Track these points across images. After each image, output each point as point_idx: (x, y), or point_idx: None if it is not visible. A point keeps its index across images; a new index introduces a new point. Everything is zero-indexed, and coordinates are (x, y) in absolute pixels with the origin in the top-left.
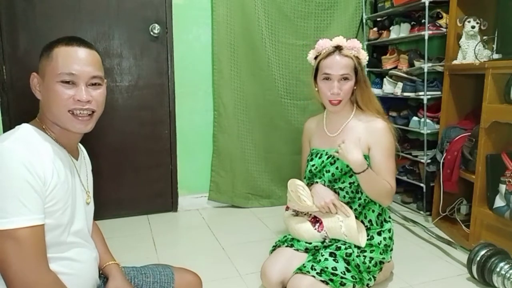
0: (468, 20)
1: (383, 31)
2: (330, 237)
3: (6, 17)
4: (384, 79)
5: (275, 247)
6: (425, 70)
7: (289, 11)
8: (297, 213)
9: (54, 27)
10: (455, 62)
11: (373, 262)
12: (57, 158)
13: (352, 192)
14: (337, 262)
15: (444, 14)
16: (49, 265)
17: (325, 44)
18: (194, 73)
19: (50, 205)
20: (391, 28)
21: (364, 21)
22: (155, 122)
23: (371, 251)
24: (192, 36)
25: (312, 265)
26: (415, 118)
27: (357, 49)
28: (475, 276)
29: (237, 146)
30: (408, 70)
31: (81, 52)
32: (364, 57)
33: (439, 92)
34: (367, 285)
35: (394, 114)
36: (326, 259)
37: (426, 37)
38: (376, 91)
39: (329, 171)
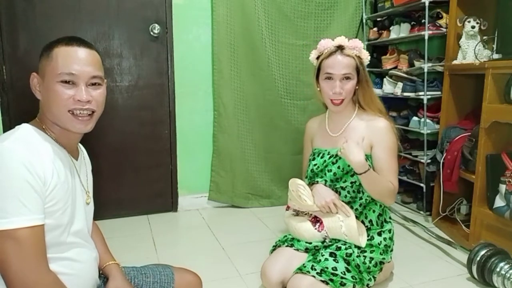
0: (468, 20)
1: (383, 31)
2: (330, 237)
3: (6, 17)
4: (384, 79)
5: (275, 247)
6: (425, 70)
7: (289, 11)
8: (297, 213)
9: (54, 27)
10: (455, 62)
11: (373, 262)
12: (57, 158)
13: (353, 191)
14: (337, 262)
15: (444, 14)
16: (49, 265)
17: (327, 44)
18: (194, 73)
19: (50, 205)
20: (391, 28)
21: (364, 21)
22: (155, 122)
23: (371, 252)
24: (192, 36)
25: (312, 265)
26: (415, 118)
27: (359, 48)
28: (475, 276)
29: (237, 146)
30: (408, 70)
31: (81, 52)
32: (366, 56)
33: (439, 92)
34: (367, 285)
35: (394, 114)
36: (326, 259)
37: (426, 37)
38: (376, 91)
39: (331, 171)
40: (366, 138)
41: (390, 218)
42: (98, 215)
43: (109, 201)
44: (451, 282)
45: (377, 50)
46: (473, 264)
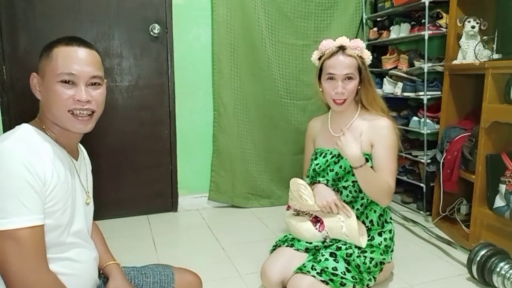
0: (468, 20)
1: (383, 31)
2: (331, 237)
3: (6, 17)
4: (384, 79)
5: (275, 247)
6: (425, 70)
7: (289, 11)
8: (298, 213)
9: (54, 27)
10: (455, 62)
11: (373, 262)
12: (57, 159)
13: (355, 191)
14: (338, 262)
15: (444, 14)
16: (49, 266)
17: (328, 45)
18: (194, 73)
19: (50, 205)
20: (391, 28)
21: (364, 21)
22: (155, 122)
23: (372, 252)
24: (192, 36)
25: (313, 265)
26: (415, 118)
27: (361, 48)
28: (475, 276)
29: (237, 146)
30: (408, 70)
31: (81, 52)
32: (368, 56)
33: (439, 92)
34: (367, 285)
35: (394, 114)
36: (326, 259)
37: (426, 37)
38: (376, 91)
39: (333, 170)
40: (367, 137)
41: (391, 218)
42: (98, 215)
43: (109, 201)
44: (451, 282)
45: (377, 50)
46: (473, 264)
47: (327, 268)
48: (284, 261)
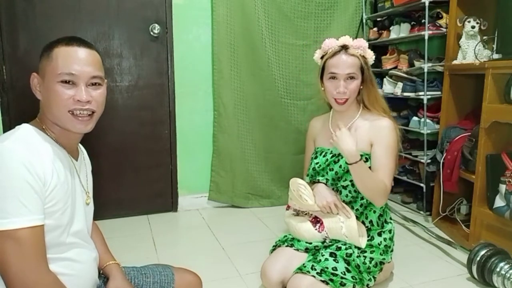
0: (468, 20)
1: (383, 31)
2: (330, 237)
3: (6, 17)
4: (384, 79)
5: (275, 247)
6: (425, 70)
7: (289, 11)
8: (298, 213)
9: (54, 27)
10: (455, 62)
11: (373, 262)
12: (57, 159)
13: (354, 191)
14: (338, 262)
15: (444, 14)
16: (49, 266)
17: (331, 44)
18: (194, 73)
19: (49, 205)
20: (391, 28)
21: (364, 21)
22: (155, 122)
23: (372, 252)
24: (192, 36)
25: (312, 265)
26: (415, 118)
27: (363, 48)
28: (475, 276)
29: (237, 146)
30: (408, 70)
31: (81, 52)
32: (370, 56)
33: (439, 92)
34: (367, 285)
35: (394, 114)
36: (326, 259)
37: (426, 37)
38: None
39: (332, 170)
40: (367, 136)
41: (390, 218)
42: (98, 215)
43: (109, 201)
44: (451, 282)
45: (377, 50)
46: (473, 264)
47: (327, 268)
48: (284, 261)
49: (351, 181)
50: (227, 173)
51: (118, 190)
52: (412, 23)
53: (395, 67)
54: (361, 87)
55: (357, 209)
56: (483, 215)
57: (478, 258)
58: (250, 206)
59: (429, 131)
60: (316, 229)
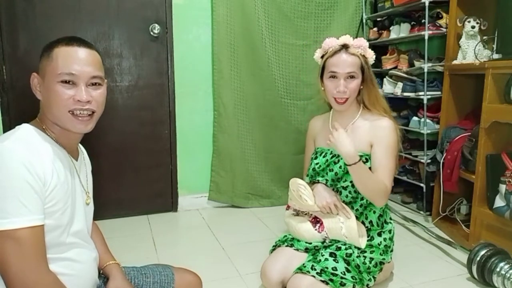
0: (468, 20)
1: (383, 31)
2: (330, 237)
3: (6, 17)
4: (384, 79)
5: (275, 247)
6: (425, 70)
7: (289, 11)
8: (297, 213)
9: (54, 27)
10: (455, 62)
11: (373, 262)
12: (57, 159)
13: (354, 192)
14: (337, 262)
15: (444, 14)
16: (49, 266)
17: (331, 43)
18: (194, 73)
19: (49, 205)
20: (391, 28)
21: (364, 21)
22: (155, 122)
23: (371, 252)
24: (192, 36)
25: (312, 265)
26: (415, 118)
27: (364, 47)
28: (475, 276)
29: (237, 146)
30: (408, 70)
31: (81, 52)
32: (371, 56)
33: (439, 92)
34: (367, 285)
35: (394, 114)
36: (326, 259)
37: (426, 37)
38: None
39: (332, 170)
40: (367, 137)
41: (390, 218)
42: (98, 215)
43: (109, 201)
44: (451, 282)
45: (377, 50)
46: (473, 264)
47: (327, 268)
48: (284, 261)
49: (351, 181)
50: (227, 173)
51: (118, 190)
52: (412, 23)
53: (395, 67)
54: (362, 87)
55: (357, 210)
56: (483, 215)
57: (478, 258)
58: (250, 206)
59: (429, 131)
60: (316, 229)
